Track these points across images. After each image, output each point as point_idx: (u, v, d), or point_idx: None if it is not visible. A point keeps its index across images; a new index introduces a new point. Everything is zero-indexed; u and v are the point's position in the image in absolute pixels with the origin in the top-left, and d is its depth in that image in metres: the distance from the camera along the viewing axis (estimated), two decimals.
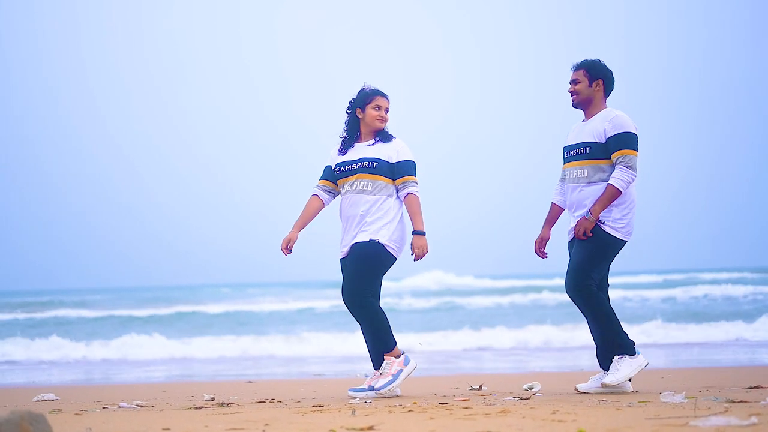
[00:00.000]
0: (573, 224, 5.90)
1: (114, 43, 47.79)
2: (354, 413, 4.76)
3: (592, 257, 5.77)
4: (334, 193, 6.16)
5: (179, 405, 5.89)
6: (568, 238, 5.97)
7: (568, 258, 5.94)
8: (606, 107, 5.90)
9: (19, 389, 8.55)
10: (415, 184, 5.99)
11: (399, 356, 5.99)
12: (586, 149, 5.82)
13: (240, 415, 4.88)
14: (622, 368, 5.79)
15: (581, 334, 13.85)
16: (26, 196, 43.01)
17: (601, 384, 5.83)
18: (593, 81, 5.88)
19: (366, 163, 5.97)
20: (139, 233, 45.50)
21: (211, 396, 6.42)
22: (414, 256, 6.00)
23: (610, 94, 5.95)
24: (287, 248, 6.05)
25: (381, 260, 5.94)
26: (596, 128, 5.81)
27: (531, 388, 6.26)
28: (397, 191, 6.01)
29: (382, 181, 5.95)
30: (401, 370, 5.98)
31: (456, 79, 47.85)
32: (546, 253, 6.10)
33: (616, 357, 5.80)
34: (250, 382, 8.46)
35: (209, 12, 50.20)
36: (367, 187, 5.95)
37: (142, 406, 5.89)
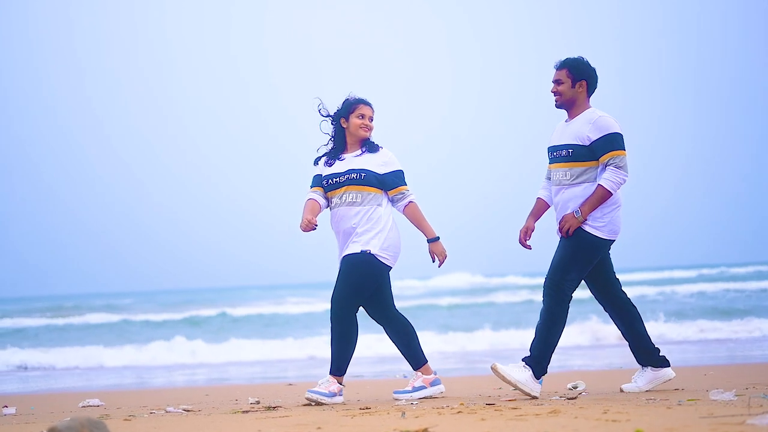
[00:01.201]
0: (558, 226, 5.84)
1: (110, 46, 48.21)
2: (404, 415, 4.78)
3: (572, 257, 5.71)
4: (327, 199, 6.06)
5: (225, 409, 5.93)
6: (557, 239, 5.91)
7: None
8: (589, 107, 5.80)
9: (63, 395, 8.61)
10: (410, 192, 5.95)
11: (429, 374, 6.03)
12: (568, 152, 5.73)
13: (290, 419, 4.90)
14: (522, 376, 5.64)
15: (612, 331, 13.78)
16: (26, 199, 43.39)
17: (492, 366, 5.71)
18: (576, 82, 5.77)
19: (354, 175, 5.89)
20: (139, 237, 45.88)
21: (256, 399, 6.44)
22: (438, 263, 5.99)
23: (594, 93, 5.83)
24: (313, 220, 5.87)
25: (372, 271, 5.86)
26: (579, 130, 5.71)
27: (576, 387, 6.25)
28: (392, 202, 5.95)
29: (371, 191, 5.89)
30: (423, 387, 6.00)
31: (458, 73, 47.83)
32: (530, 245, 6.01)
33: (524, 363, 5.68)
34: (290, 384, 8.47)
35: (203, 15, 50.52)
36: (356, 199, 5.88)
37: (188, 411, 5.93)
